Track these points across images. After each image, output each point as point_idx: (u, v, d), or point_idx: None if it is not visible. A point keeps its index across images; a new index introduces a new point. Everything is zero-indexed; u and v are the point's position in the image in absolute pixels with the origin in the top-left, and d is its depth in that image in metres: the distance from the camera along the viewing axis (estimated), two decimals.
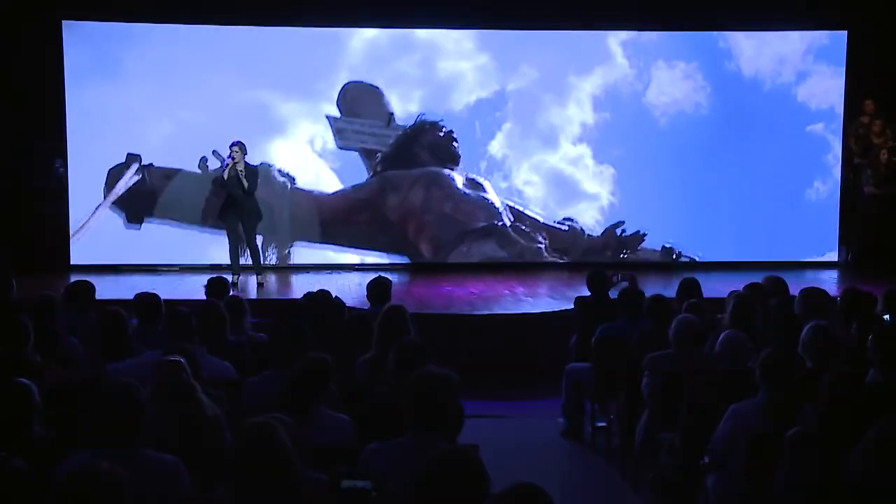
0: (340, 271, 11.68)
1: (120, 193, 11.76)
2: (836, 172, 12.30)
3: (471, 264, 11.97)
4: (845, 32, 12.17)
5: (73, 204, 11.54)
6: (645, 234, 12.33)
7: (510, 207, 12.28)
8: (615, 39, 12.17)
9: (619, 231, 12.34)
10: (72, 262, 11.49)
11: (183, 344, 4.96)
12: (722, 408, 4.62)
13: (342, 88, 12.03)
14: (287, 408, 4.07)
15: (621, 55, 12.19)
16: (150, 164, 11.77)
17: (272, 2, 11.53)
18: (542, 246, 12.23)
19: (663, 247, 12.34)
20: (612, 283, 8.02)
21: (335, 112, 12.05)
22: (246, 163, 10.02)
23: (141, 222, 11.85)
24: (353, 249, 12.12)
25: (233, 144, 10.04)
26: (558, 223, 12.33)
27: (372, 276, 7.17)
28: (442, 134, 12.24)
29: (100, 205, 11.70)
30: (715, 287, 9.31)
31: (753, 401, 4.53)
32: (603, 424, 6.87)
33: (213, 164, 11.57)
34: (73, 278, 9.03)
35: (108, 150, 11.61)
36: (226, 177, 9.96)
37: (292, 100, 11.91)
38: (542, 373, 8.26)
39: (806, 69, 12.31)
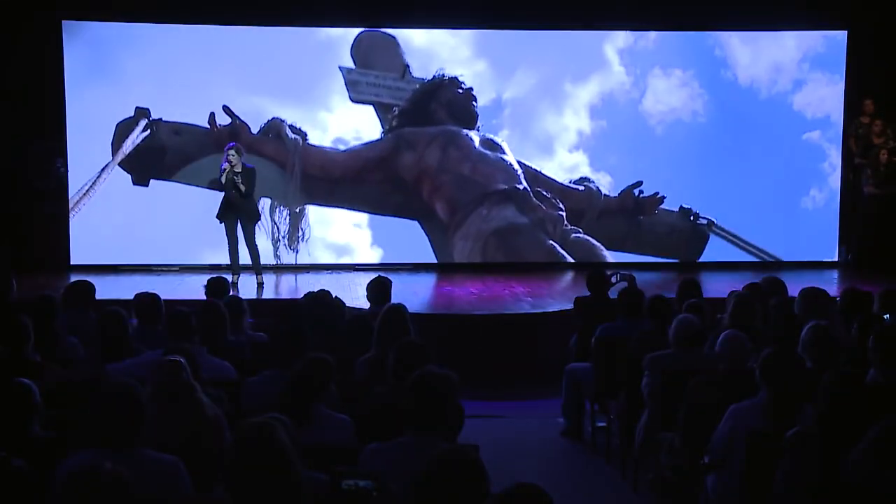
0: (341, 271, 11.68)
1: (128, 152, 11.61)
2: (835, 176, 12.29)
3: (470, 264, 11.95)
4: (843, 35, 12.18)
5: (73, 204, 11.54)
6: (664, 197, 12.26)
7: (526, 167, 12.13)
8: (611, 47, 12.15)
9: (636, 192, 12.23)
10: (72, 262, 11.49)
11: (183, 344, 4.96)
12: (722, 408, 4.62)
13: (356, 38, 11.91)
14: (287, 408, 4.07)
15: (618, 63, 12.18)
16: (160, 119, 11.66)
17: (271, 2, 11.53)
18: (563, 213, 12.07)
19: (681, 207, 12.29)
20: (611, 284, 8.02)
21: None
22: (243, 164, 10.02)
23: (147, 182, 11.71)
24: (365, 212, 12.00)
25: (229, 147, 10.03)
26: (574, 183, 12.23)
27: (372, 275, 7.18)
28: (461, 91, 12.05)
29: (106, 165, 11.55)
30: (715, 287, 9.34)
31: (753, 401, 4.53)
32: (603, 424, 6.87)
33: (223, 119, 11.55)
34: (73, 278, 9.03)
35: (108, 151, 11.60)
36: (223, 180, 9.95)
37: (288, 105, 11.88)
38: (542, 373, 8.26)
39: (802, 77, 12.31)
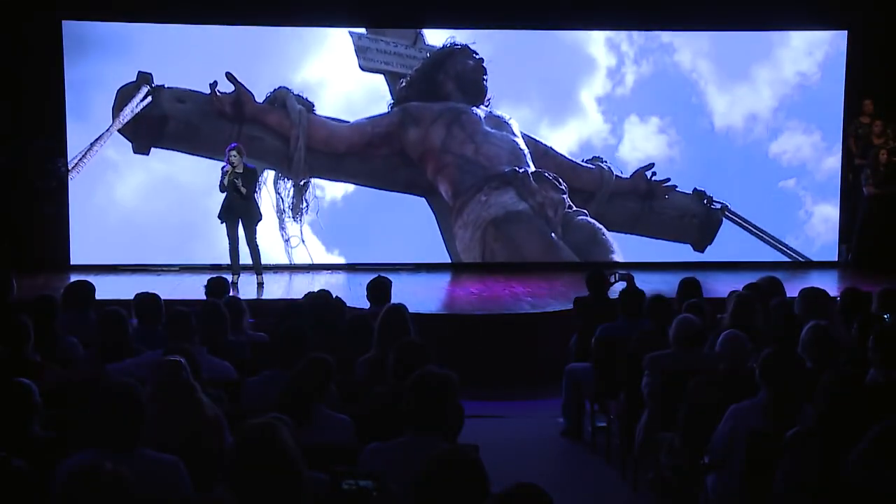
0: (340, 271, 11.66)
1: (126, 120, 11.44)
2: (811, 223, 12.31)
3: (470, 264, 11.93)
4: (819, 83, 12.20)
5: (73, 204, 11.53)
6: (675, 186, 12.18)
7: (536, 143, 11.94)
8: (589, 93, 12.11)
9: (648, 174, 12.14)
10: (72, 262, 11.49)
11: (183, 344, 4.96)
12: (722, 408, 4.62)
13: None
14: (287, 408, 4.08)
15: (595, 110, 12.14)
16: (162, 86, 11.53)
17: (273, 2, 11.53)
18: (566, 196, 11.86)
19: (695, 189, 12.24)
20: (611, 283, 8.01)
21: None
22: (244, 164, 10.00)
23: (148, 151, 11.58)
24: (371, 186, 11.86)
25: (230, 148, 10.01)
26: (586, 162, 12.12)
27: (372, 275, 7.18)
28: (471, 62, 11.81)
29: (105, 131, 11.40)
30: (715, 287, 9.34)
31: (753, 401, 4.53)
32: (603, 424, 6.87)
33: (225, 86, 11.45)
34: (73, 278, 9.03)
35: (108, 150, 11.59)
36: (226, 182, 9.93)
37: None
38: (542, 373, 8.27)
39: (778, 126, 12.31)
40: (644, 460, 5.91)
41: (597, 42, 12.13)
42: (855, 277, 10.70)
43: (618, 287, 8.02)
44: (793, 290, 6.96)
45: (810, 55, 12.28)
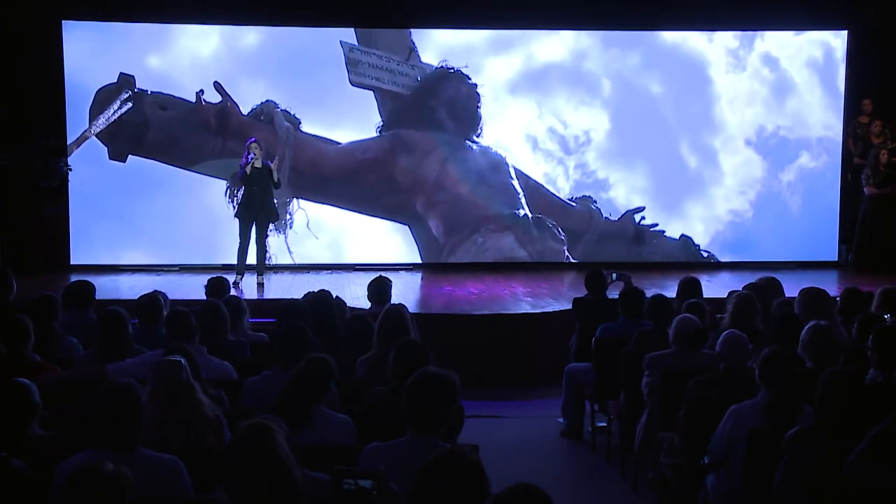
0: (341, 271, 11.66)
1: (101, 127, 11.23)
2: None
3: (471, 264, 11.92)
4: (751, 217, 12.24)
5: (73, 204, 11.53)
6: (663, 231, 12.13)
7: (527, 179, 11.71)
8: None
9: (637, 218, 12.09)
10: (72, 262, 11.49)
11: (183, 344, 4.96)
12: (722, 407, 4.62)
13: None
14: (287, 408, 4.08)
15: None
16: (144, 91, 11.29)
17: (271, 2, 11.53)
18: (566, 247, 11.73)
19: (682, 236, 12.21)
20: (609, 283, 8.01)
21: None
22: (262, 161, 9.94)
23: (125, 159, 11.35)
24: (354, 211, 11.65)
25: (251, 141, 9.95)
26: (575, 200, 11.99)
27: (372, 275, 7.18)
28: (465, 89, 11.48)
29: (80, 136, 11.22)
30: (715, 287, 9.34)
31: (753, 401, 4.54)
32: (603, 424, 6.88)
33: (213, 97, 11.29)
34: (73, 278, 9.03)
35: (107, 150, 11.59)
36: (248, 171, 9.80)
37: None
38: (542, 373, 8.27)
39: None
40: (644, 460, 5.91)
41: (533, 175, 11.90)
42: (855, 277, 10.70)
43: (615, 286, 8.01)
44: (793, 290, 6.95)
45: (742, 194, 12.28)
